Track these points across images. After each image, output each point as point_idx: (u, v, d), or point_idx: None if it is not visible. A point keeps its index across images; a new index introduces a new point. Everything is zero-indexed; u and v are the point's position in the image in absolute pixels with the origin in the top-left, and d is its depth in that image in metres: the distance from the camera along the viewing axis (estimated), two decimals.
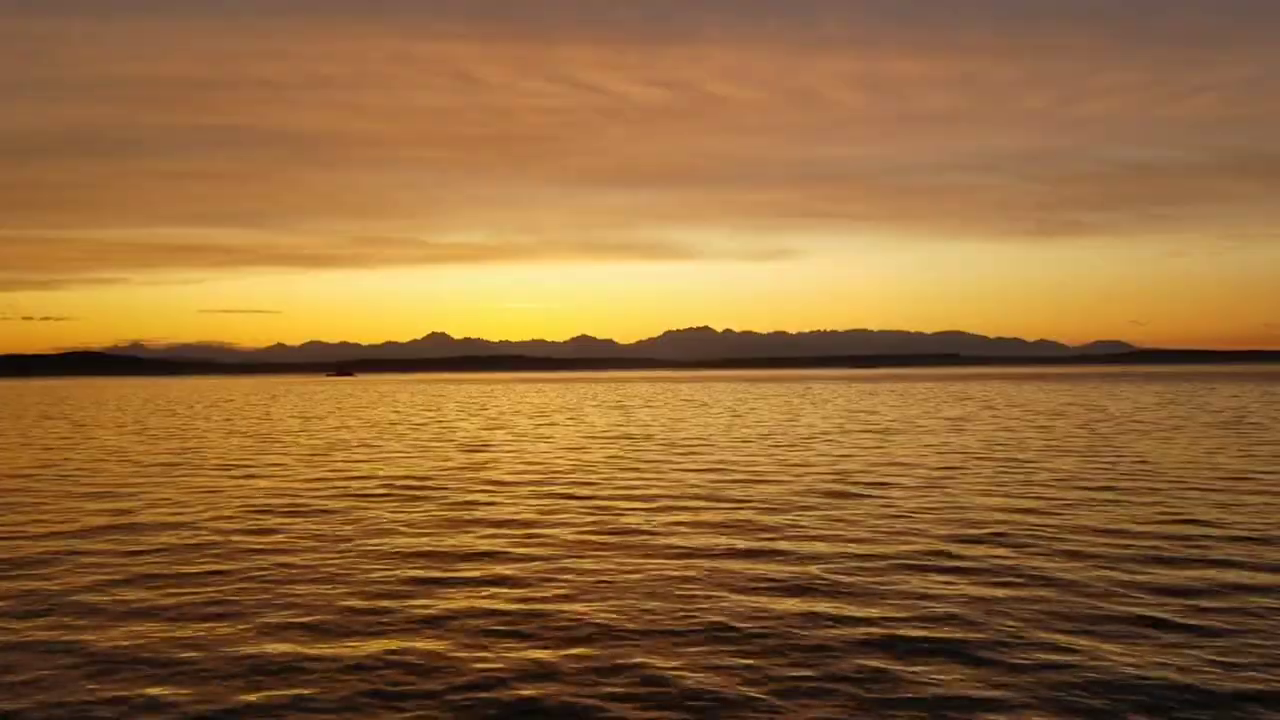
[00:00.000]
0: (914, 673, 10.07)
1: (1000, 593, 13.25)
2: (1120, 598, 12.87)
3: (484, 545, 17.07)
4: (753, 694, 9.54)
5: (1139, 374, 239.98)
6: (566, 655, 10.75)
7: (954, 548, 16.31)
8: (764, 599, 13.07)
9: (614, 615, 12.35)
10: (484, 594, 13.52)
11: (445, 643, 11.26)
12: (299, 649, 11.07)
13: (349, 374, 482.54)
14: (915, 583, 13.87)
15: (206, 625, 12.08)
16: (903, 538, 17.26)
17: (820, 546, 16.57)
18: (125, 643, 11.37)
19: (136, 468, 31.38)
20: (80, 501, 23.35)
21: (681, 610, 12.53)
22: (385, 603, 13.08)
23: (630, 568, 15.10)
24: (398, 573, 14.91)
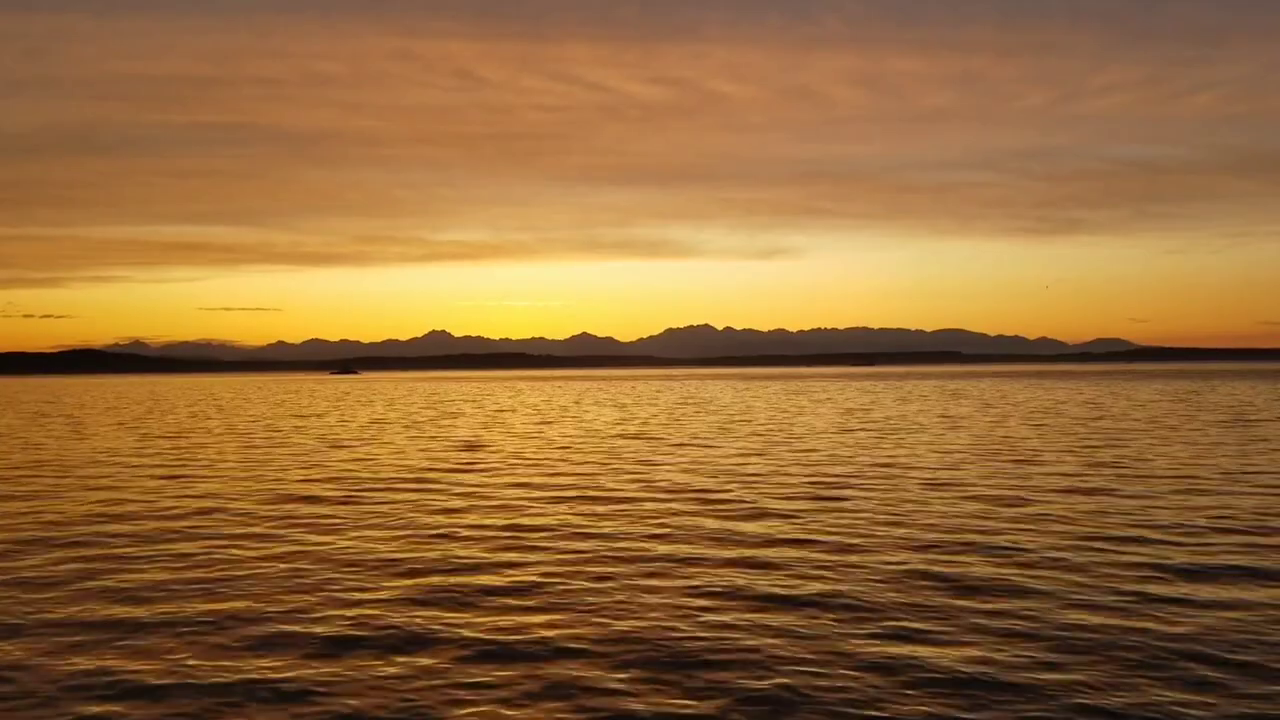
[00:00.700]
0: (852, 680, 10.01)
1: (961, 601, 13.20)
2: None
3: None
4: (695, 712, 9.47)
5: (1139, 371, 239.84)
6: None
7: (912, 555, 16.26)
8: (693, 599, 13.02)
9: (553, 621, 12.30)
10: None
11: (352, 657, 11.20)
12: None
13: (352, 372, 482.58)
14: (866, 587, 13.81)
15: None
16: (871, 542, 17.21)
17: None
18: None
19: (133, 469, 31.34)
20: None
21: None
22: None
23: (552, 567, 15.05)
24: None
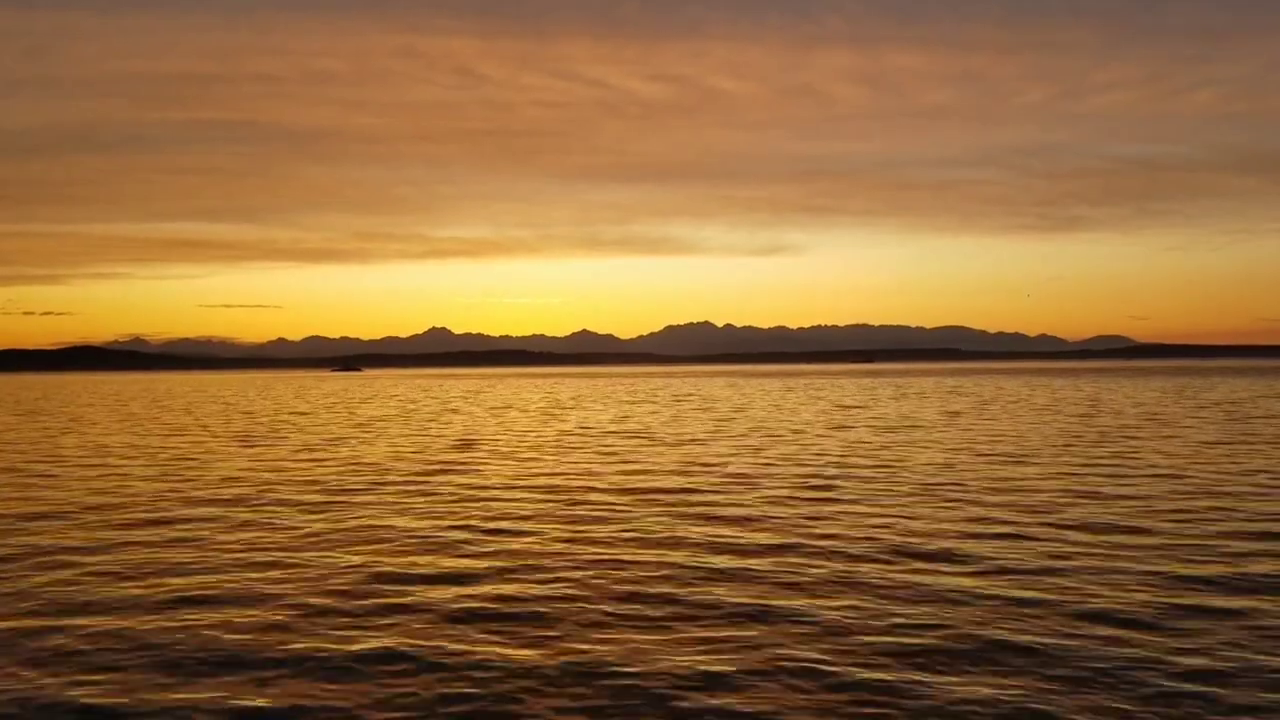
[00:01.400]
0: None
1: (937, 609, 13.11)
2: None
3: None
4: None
5: (1139, 369, 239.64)
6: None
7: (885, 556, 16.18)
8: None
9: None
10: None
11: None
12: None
13: (355, 369, 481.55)
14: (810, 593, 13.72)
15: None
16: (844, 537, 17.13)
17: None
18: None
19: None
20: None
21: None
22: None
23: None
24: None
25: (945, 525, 18.01)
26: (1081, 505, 20.19)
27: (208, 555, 16.04)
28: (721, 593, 13.16)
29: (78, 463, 31.78)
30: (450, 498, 22.46)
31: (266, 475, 27.48)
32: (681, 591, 13.26)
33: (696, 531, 17.65)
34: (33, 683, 10.00)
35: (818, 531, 17.50)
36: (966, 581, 13.60)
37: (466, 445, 36.65)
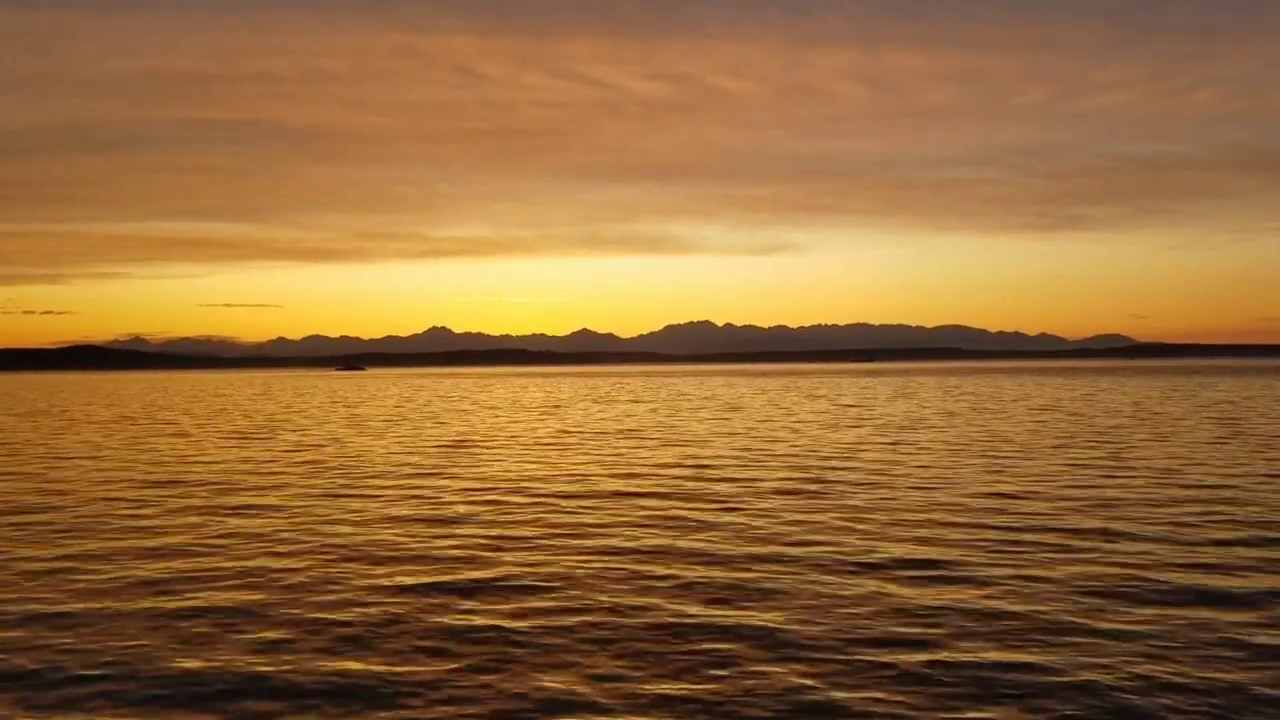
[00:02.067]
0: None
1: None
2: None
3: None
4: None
5: (1138, 368, 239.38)
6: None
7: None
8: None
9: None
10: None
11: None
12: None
13: (359, 368, 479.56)
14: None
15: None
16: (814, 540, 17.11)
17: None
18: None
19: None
20: None
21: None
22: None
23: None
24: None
25: (925, 534, 17.97)
26: (1070, 512, 20.16)
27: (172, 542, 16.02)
28: (674, 605, 13.14)
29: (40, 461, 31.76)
30: (411, 494, 22.42)
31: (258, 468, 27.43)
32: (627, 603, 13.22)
33: (662, 538, 17.61)
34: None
35: (794, 538, 17.45)
36: (945, 593, 13.58)
37: (461, 444, 36.62)
